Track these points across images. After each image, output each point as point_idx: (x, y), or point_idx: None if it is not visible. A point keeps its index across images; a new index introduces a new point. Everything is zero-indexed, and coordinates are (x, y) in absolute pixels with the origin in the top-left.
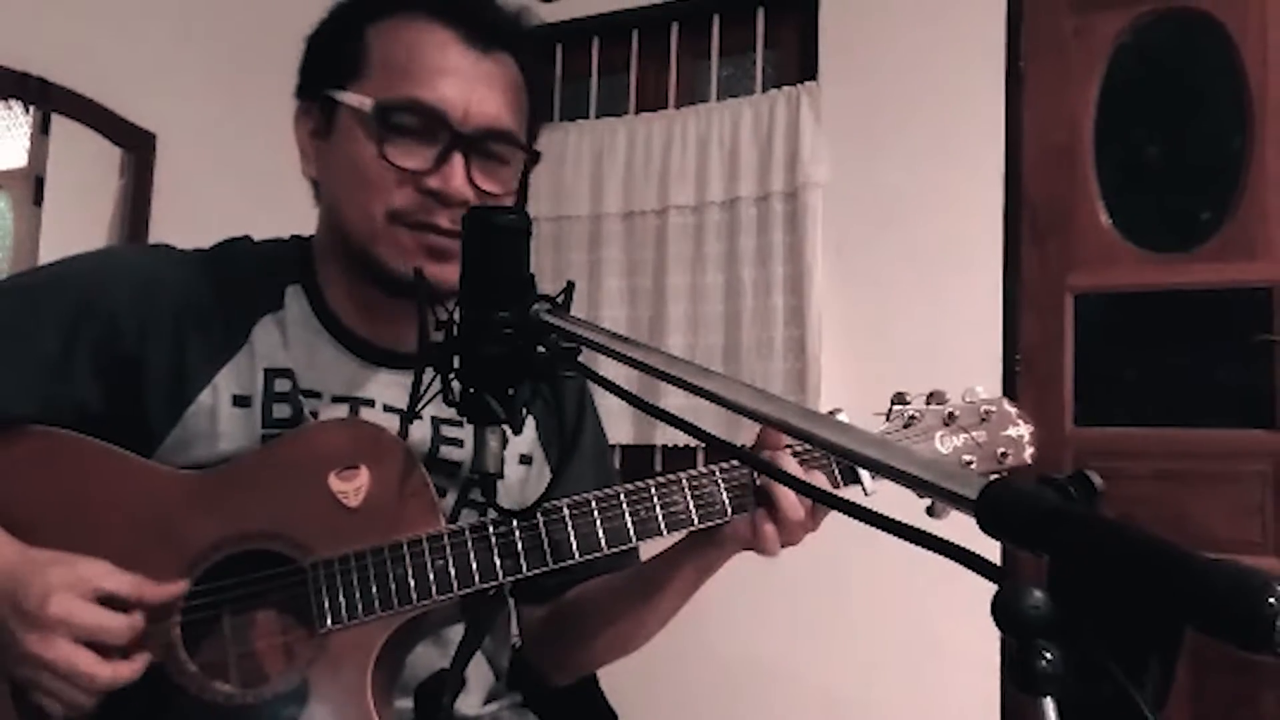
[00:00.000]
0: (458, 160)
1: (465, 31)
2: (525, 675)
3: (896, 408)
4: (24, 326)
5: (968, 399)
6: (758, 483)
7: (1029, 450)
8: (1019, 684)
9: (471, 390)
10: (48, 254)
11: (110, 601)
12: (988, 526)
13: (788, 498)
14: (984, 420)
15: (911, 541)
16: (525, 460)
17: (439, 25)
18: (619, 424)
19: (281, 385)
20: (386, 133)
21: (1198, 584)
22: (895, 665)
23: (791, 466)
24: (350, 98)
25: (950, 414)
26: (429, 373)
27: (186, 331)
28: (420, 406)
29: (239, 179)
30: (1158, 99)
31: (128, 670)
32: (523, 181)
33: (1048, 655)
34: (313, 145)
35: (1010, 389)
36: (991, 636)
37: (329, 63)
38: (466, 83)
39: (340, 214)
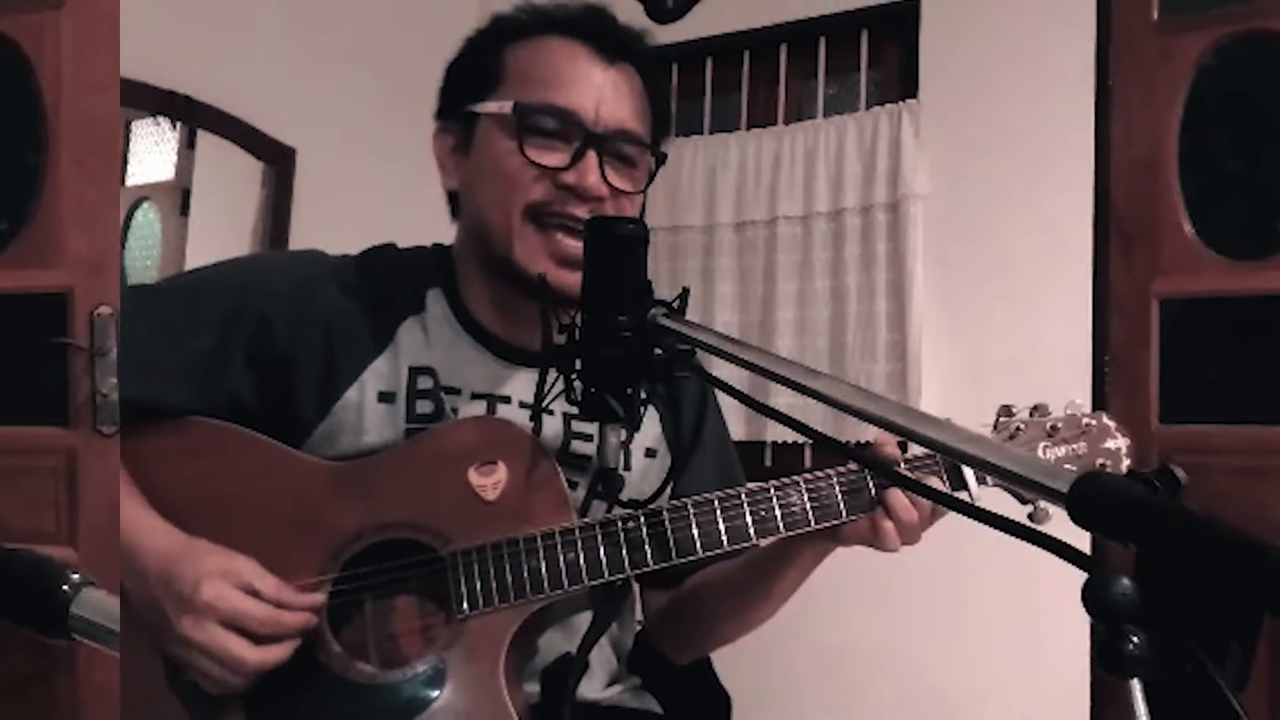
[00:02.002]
0: (591, 157)
1: (593, 45)
2: (646, 659)
3: (1003, 419)
4: (182, 325)
5: (1069, 411)
6: (873, 487)
7: (1126, 462)
8: (1108, 667)
9: (593, 390)
10: (193, 262)
11: (256, 595)
12: (1078, 518)
13: (899, 499)
14: (1084, 433)
15: (1010, 534)
16: (650, 454)
17: (569, 41)
18: (731, 422)
19: (424, 383)
20: (525, 132)
21: (1276, 572)
22: (992, 650)
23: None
24: (489, 106)
25: (1052, 426)
26: (554, 372)
27: (335, 331)
28: (545, 405)
29: (373, 192)
30: (1237, 116)
31: (275, 654)
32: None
33: (1135, 639)
34: (452, 160)
35: (1099, 389)
36: (1082, 622)
37: (468, 82)
38: (596, 89)
39: (480, 215)
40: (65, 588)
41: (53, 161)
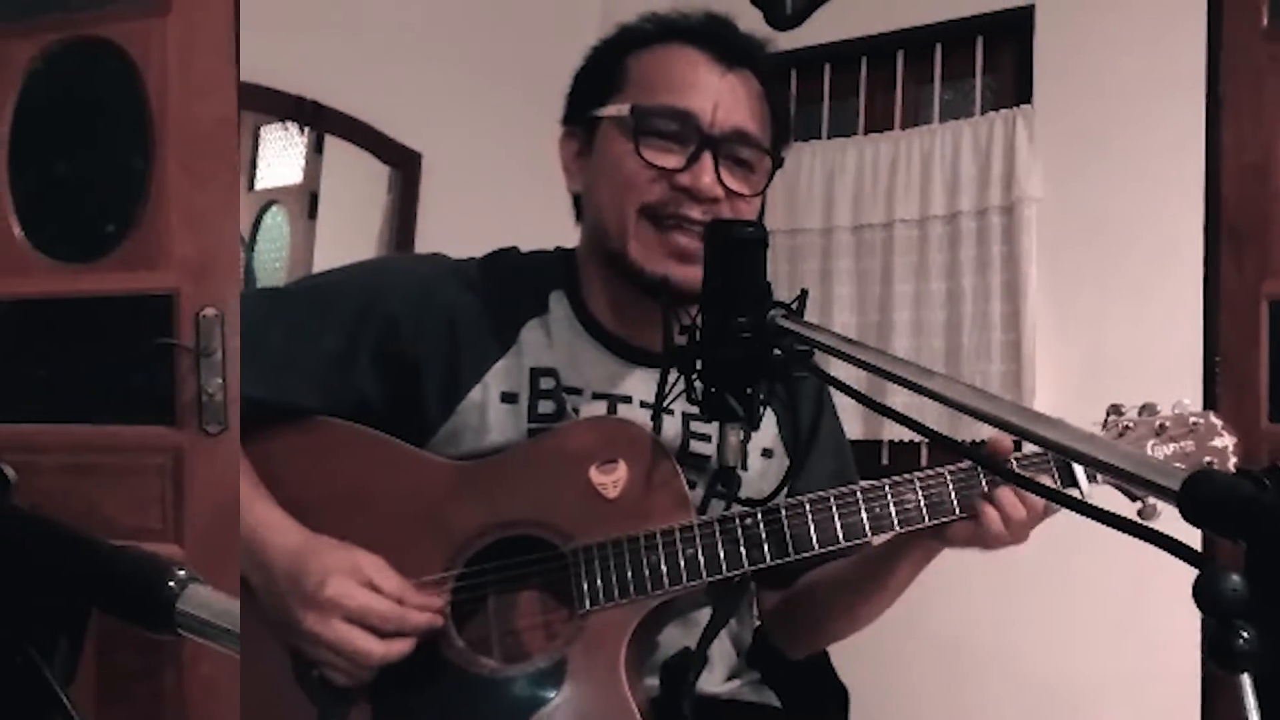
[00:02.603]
0: (707, 159)
1: (712, 51)
2: (765, 654)
3: (1112, 418)
4: (311, 326)
5: (1176, 410)
6: (985, 485)
7: (1232, 460)
8: (1218, 662)
9: (713, 390)
10: (321, 265)
11: (379, 592)
12: (1189, 515)
13: (1007, 497)
14: (1191, 431)
15: (1122, 531)
16: (767, 455)
17: (689, 47)
18: (849, 421)
19: (546, 383)
20: (642, 134)
21: None
22: (1103, 645)
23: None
24: (609, 109)
25: (1161, 425)
26: (674, 372)
27: (460, 333)
28: (666, 404)
29: (498, 196)
30: None
31: (399, 648)
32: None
33: (1245, 635)
34: (576, 163)
35: (1210, 388)
36: (1192, 617)
37: (591, 88)
38: (714, 92)
39: (598, 214)
40: (172, 584)
41: (159, 166)
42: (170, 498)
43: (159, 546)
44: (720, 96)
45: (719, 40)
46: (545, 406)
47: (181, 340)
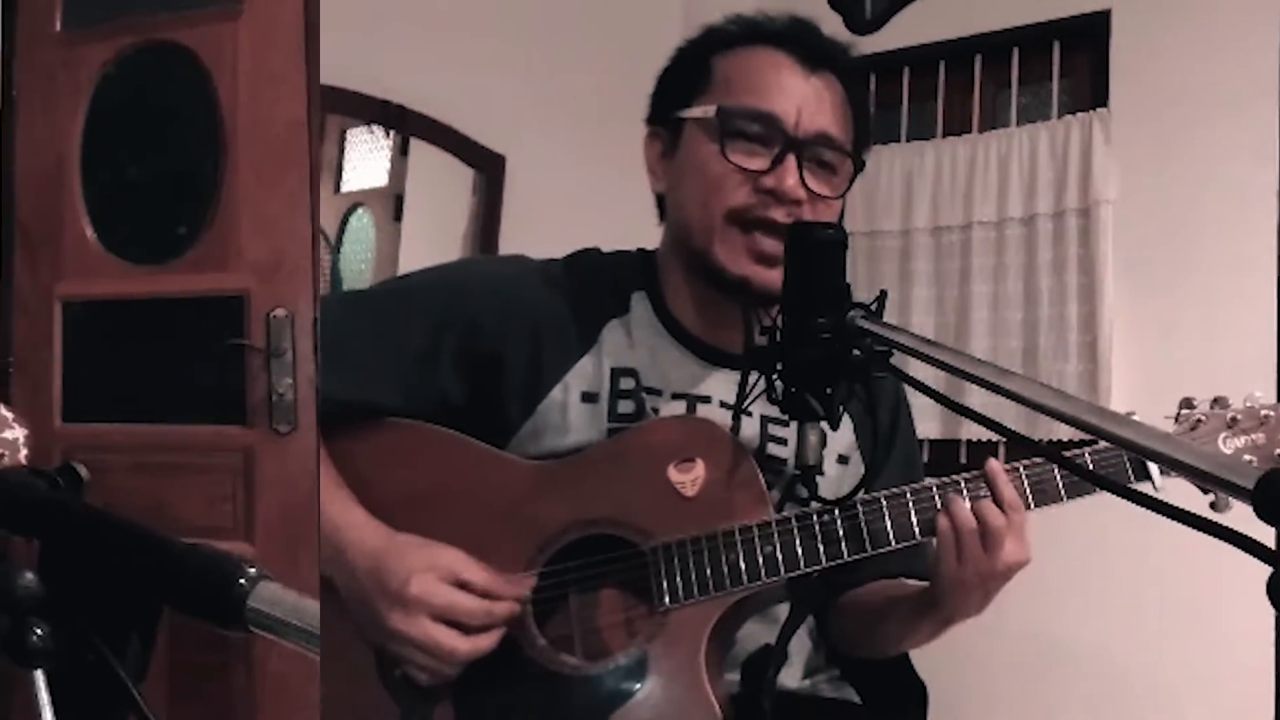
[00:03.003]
0: (791, 162)
1: (797, 54)
2: (841, 649)
3: (1184, 411)
4: (394, 326)
5: (1249, 404)
6: (1060, 481)
7: None
8: None
9: (793, 390)
10: (406, 266)
11: (465, 587)
12: (1263, 513)
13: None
14: (1263, 424)
15: (1197, 528)
16: (843, 460)
17: (774, 50)
18: (927, 420)
19: (626, 383)
20: (727, 136)
21: None
22: (1178, 641)
23: None
24: (694, 111)
25: (1233, 418)
26: (754, 374)
27: (541, 333)
28: (746, 404)
29: (580, 198)
30: None
31: (484, 643)
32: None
33: None
34: (660, 164)
35: None
36: (1266, 614)
37: (676, 89)
38: (798, 95)
39: (683, 216)
40: (242, 581)
41: (231, 169)
42: (241, 496)
43: (230, 544)
44: (804, 99)
45: (803, 43)
46: (625, 406)
47: (252, 341)
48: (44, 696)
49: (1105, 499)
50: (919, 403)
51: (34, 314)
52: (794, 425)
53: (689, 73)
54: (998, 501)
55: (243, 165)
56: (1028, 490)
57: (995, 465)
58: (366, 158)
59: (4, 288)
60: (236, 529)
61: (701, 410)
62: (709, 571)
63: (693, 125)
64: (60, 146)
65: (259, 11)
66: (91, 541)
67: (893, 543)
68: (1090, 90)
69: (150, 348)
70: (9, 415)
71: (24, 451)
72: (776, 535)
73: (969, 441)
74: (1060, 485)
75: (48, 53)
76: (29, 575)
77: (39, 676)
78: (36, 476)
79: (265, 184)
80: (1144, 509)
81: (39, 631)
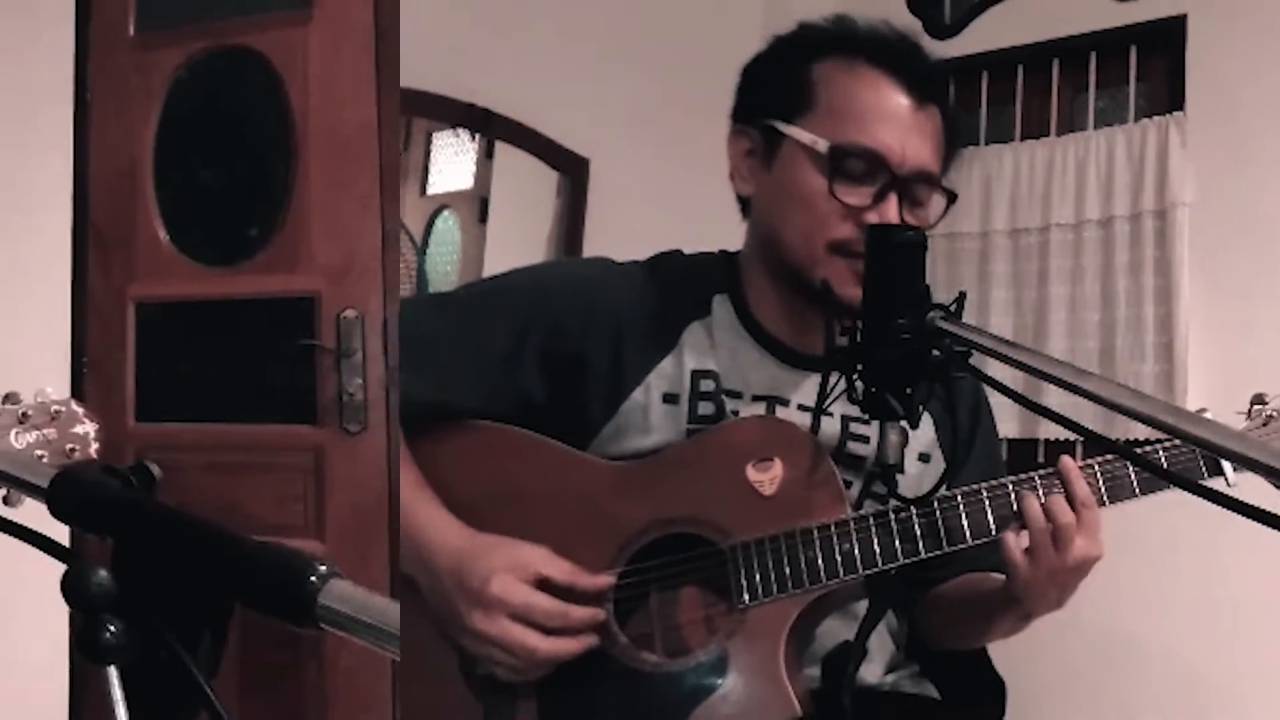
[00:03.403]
0: (893, 199)
1: (903, 82)
2: (923, 646)
3: (1256, 407)
4: (478, 328)
5: None
6: (1134, 478)
7: None
8: None
9: (874, 389)
10: (491, 268)
11: (546, 585)
12: None
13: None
14: None
15: (1269, 525)
16: (923, 458)
17: (881, 75)
18: (1006, 420)
19: (706, 385)
20: (836, 172)
21: None
22: (1252, 639)
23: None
24: (802, 134)
25: None
26: (836, 373)
27: (624, 334)
28: (827, 405)
29: (663, 201)
30: None
31: (565, 646)
32: None
33: None
34: (746, 165)
35: None
36: None
37: (772, 94)
38: (903, 131)
39: (779, 234)
40: (313, 579)
41: (302, 171)
42: (311, 495)
43: (300, 542)
44: (909, 135)
45: (911, 70)
46: (705, 408)
47: (322, 341)
48: (117, 693)
49: (1178, 497)
50: (997, 402)
51: (107, 315)
52: (875, 424)
53: (787, 79)
54: (1071, 498)
55: (313, 168)
56: (1101, 487)
57: (1068, 462)
58: (452, 161)
59: (78, 289)
60: (307, 527)
61: (781, 412)
62: (787, 569)
63: (795, 147)
64: (133, 150)
65: (329, 15)
66: (164, 539)
67: (969, 540)
68: (1166, 94)
69: (222, 348)
70: (80, 410)
71: (95, 445)
72: (854, 533)
73: (1047, 441)
74: (1134, 482)
75: (121, 57)
76: (102, 573)
77: (112, 673)
78: (110, 475)
79: (336, 186)
80: (1217, 506)
81: (112, 628)
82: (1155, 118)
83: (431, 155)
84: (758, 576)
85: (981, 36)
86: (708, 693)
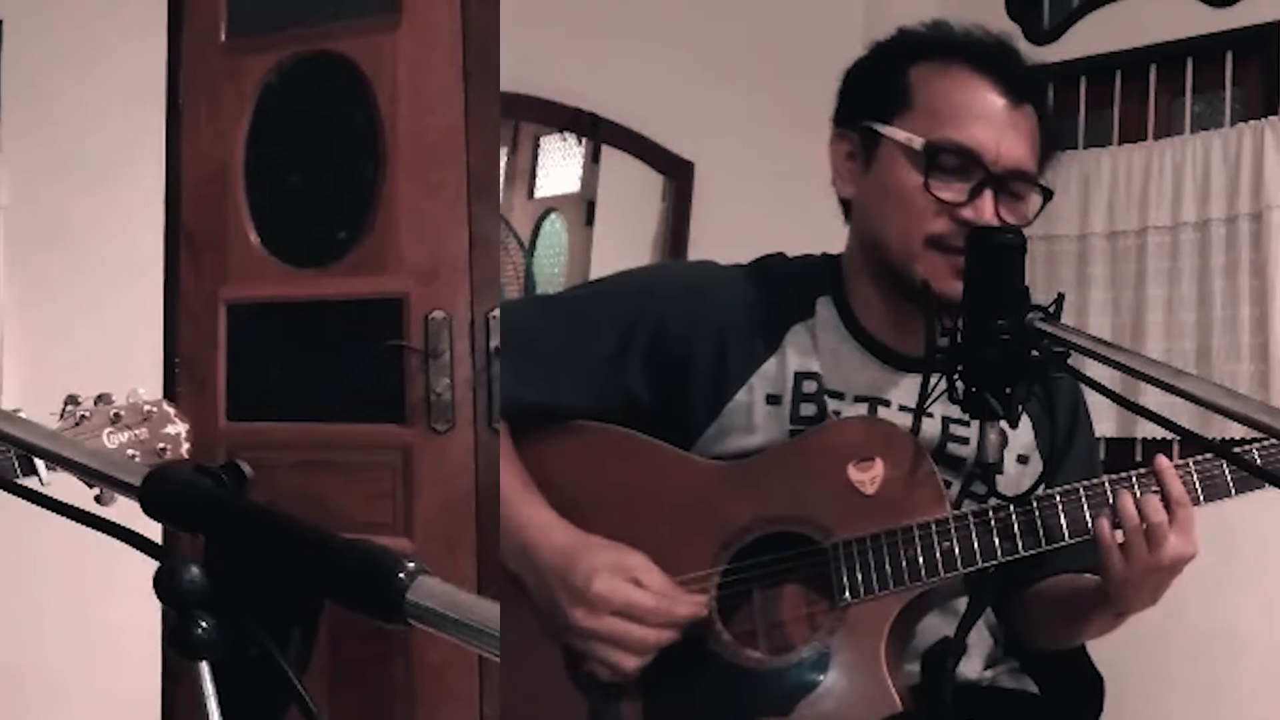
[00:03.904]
0: (988, 195)
1: (999, 84)
2: (1021, 642)
3: None
4: (585, 330)
5: None
6: (1229, 477)
7: None
8: None
9: (974, 390)
10: (598, 270)
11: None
12: None
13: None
14: None
15: None
16: (1022, 460)
17: (977, 76)
18: (1104, 420)
19: (809, 386)
20: (931, 169)
21: None
22: None
23: None
24: (898, 133)
25: None
26: (937, 374)
27: (728, 336)
28: (928, 405)
29: (767, 204)
30: None
31: (667, 634)
32: None
33: None
34: (847, 167)
35: None
36: None
37: (871, 97)
38: (998, 129)
39: (878, 234)
40: (401, 576)
41: (390, 175)
42: (400, 493)
43: (389, 540)
44: (1004, 133)
45: (1007, 71)
46: (807, 409)
47: (410, 342)
48: (209, 688)
49: (1276, 495)
50: (1095, 402)
51: (199, 316)
52: (974, 425)
53: (885, 82)
54: (1165, 497)
55: (402, 171)
56: (1197, 485)
57: (1163, 461)
58: (559, 164)
59: (171, 291)
60: (396, 525)
61: (882, 413)
62: (888, 567)
63: (892, 146)
64: (225, 154)
65: (417, 21)
66: (255, 537)
67: (1066, 537)
68: (1262, 99)
69: (312, 348)
70: (171, 411)
71: (185, 445)
72: (954, 531)
73: (1144, 440)
74: (1229, 481)
75: (213, 63)
76: (194, 570)
77: (204, 668)
78: (202, 474)
79: (424, 189)
80: None
81: (204, 625)
82: (1250, 122)
83: (539, 159)
84: (859, 574)
85: (1080, 43)
86: (810, 689)
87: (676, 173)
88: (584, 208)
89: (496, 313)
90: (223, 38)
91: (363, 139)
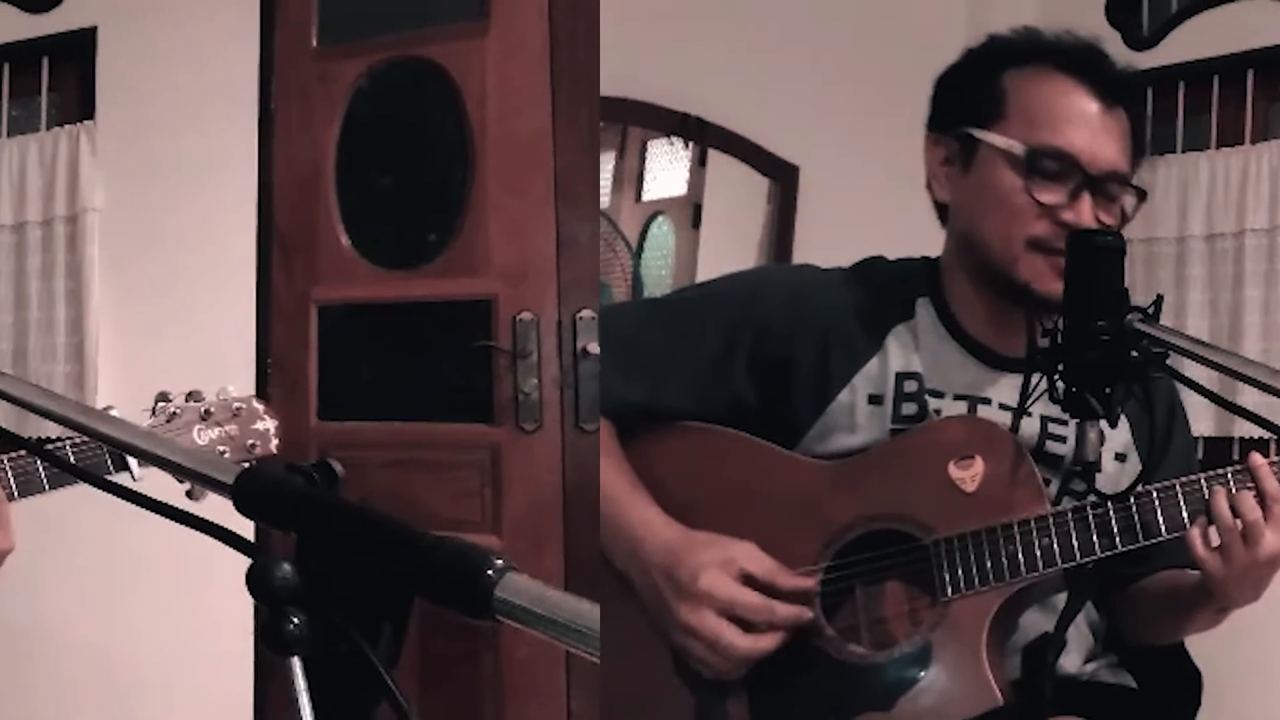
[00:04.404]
0: (1086, 197)
1: (1092, 87)
2: (1119, 637)
3: None
4: (691, 332)
5: None
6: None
7: None
8: None
9: (1073, 389)
10: (704, 272)
11: (753, 581)
12: None
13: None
14: None
15: None
16: (1120, 457)
17: (1070, 80)
18: (1201, 419)
19: (910, 386)
20: (1031, 173)
21: None
22: None
23: None
24: (998, 139)
25: None
26: (1037, 374)
27: (830, 338)
28: (1028, 404)
29: (871, 207)
30: None
31: (765, 643)
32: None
33: None
34: (944, 172)
35: None
36: None
37: (966, 103)
38: (1093, 132)
39: (979, 237)
40: (490, 572)
41: (479, 178)
42: (488, 491)
43: (477, 538)
44: (1098, 136)
45: (1100, 74)
46: (908, 408)
47: (499, 343)
48: (300, 683)
49: None
50: (1193, 401)
51: (291, 317)
52: (1073, 424)
53: (980, 88)
54: (1260, 494)
55: (490, 174)
56: None
57: (1257, 458)
58: (666, 168)
59: (263, 292)
60: (484, 523)
61: (982, 412)
62: (989, 563)
63: (991, 152)
64: (316, 157)
65: (504, 26)
66: (346, 534)
67: (1164, 534)
68: None
69: (401, 349)
70: (260, 407)
71: (275, 441)
72: (1054, 528)
73: (1242, 439)
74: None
75: (305, 68)
76: (286, 567)
77: (296, 664)
78: (294, 473)
79: (512, 192)
80: None
81: (295, 621)
82: None
83: (646, 163)
84: (960, 570)
85: (1178, 48)
86: (912, 683)
87: (781, 176)
88: (691, 211)
89: (584, 314)
90: (314, 44)
91: (452, 143)
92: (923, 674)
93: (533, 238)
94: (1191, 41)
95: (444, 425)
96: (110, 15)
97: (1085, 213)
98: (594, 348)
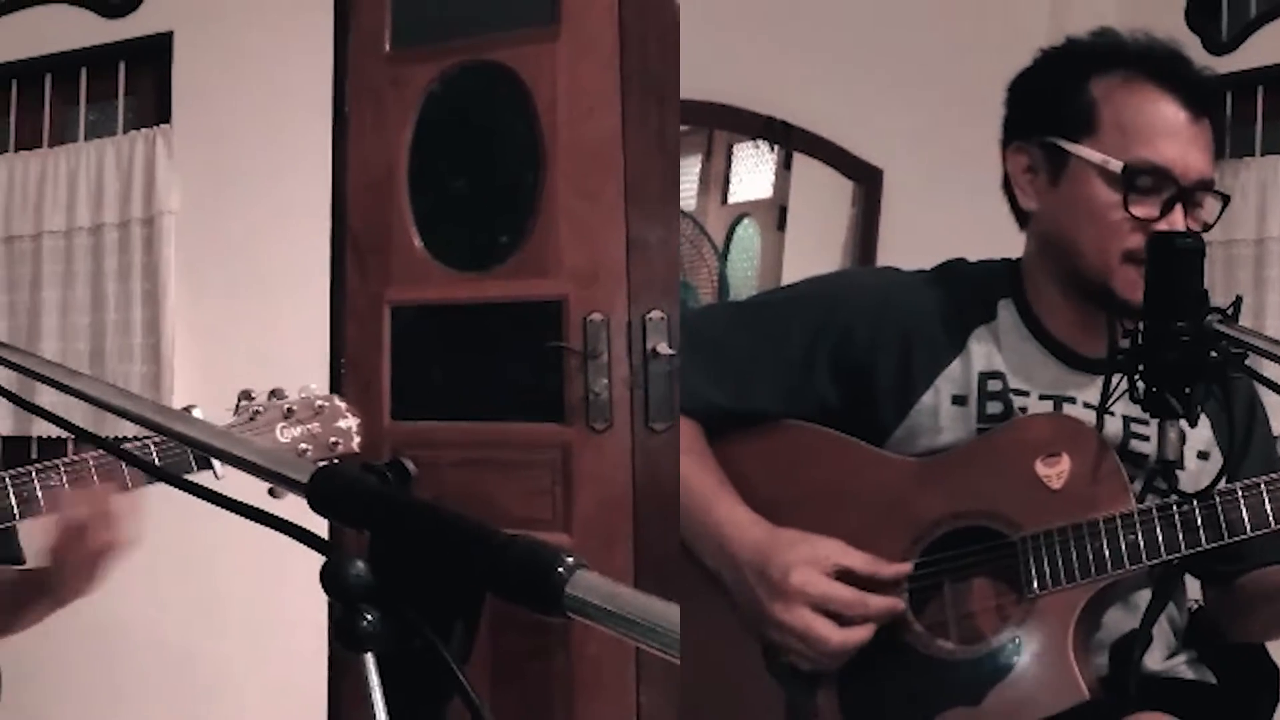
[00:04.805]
0: (1179, 208)
1: (1180, 97)
2: (1200, 634)
3: None
4: (775, 335)
5: None
6: None
7: None
8: None
9: (1154, 389)
10: (789, 274)
11: (845, 576)
12: None
13: None
14: None
15: None
16: (1202, 456)
17: (1159, 90)
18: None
19: (993, 386)
20: (1128, 188)
21: None
22: None
23: None
24: (1094, 155)
25: None
26: (1118, 374)
27: (912, 341)
28: (1110, 404)
29: (955, 209)
30: None
31: (857, 636)
32: None
33: None
34: (1027, 179)
35: None
36: None
37: (1050, 111)
38: (1184, 144)
39: (1072, 246)
40: (561, 570)
41: (550, 181)
42: (559, 490)
43: (548, 536)
44: (1188, 147)
45: (1186, 82)
46: (993, 407)
47: (570, 343)
48: (374, 679)
49: None
50: (1272, 401)
51: (364, 318)
52: (1155, 423)
53: (1066, 97)
54: None
55: (561, 177)
56: None
57: None
58: (752, 171)
59: (337, 293)
60: (555, 521)
61: (1067, 410)
62: (1075, 559)
63: (1085, 166)
64: (389, 160)
65: (575, 30)
66: (419, 532)
67: (1249, 531)
68: None
69: (473, 349)
70: (342, 406)
71: (357, 439)
72: (1139, 525)
73: None
74: None
75: (378, 72)
76: (360, 565)
77: (369, 660)
78: (367, 471)
79: (583, 195)
80: None
81: (369, 618)
82: None
83: (732, 166)
84: (1046, 566)
85: (1257, 52)
86: (1000, 678)
87: (866, 179)
88: (776, 213)
89: (654, 314)
90: (387, 49)
91: (523, 146)
92: (1011, 669)
93: (603, 239)
94: (1271, 45)
95: (515, 425)
96: (186, 20)
97: (1178, 224)
98: (664, 348)
